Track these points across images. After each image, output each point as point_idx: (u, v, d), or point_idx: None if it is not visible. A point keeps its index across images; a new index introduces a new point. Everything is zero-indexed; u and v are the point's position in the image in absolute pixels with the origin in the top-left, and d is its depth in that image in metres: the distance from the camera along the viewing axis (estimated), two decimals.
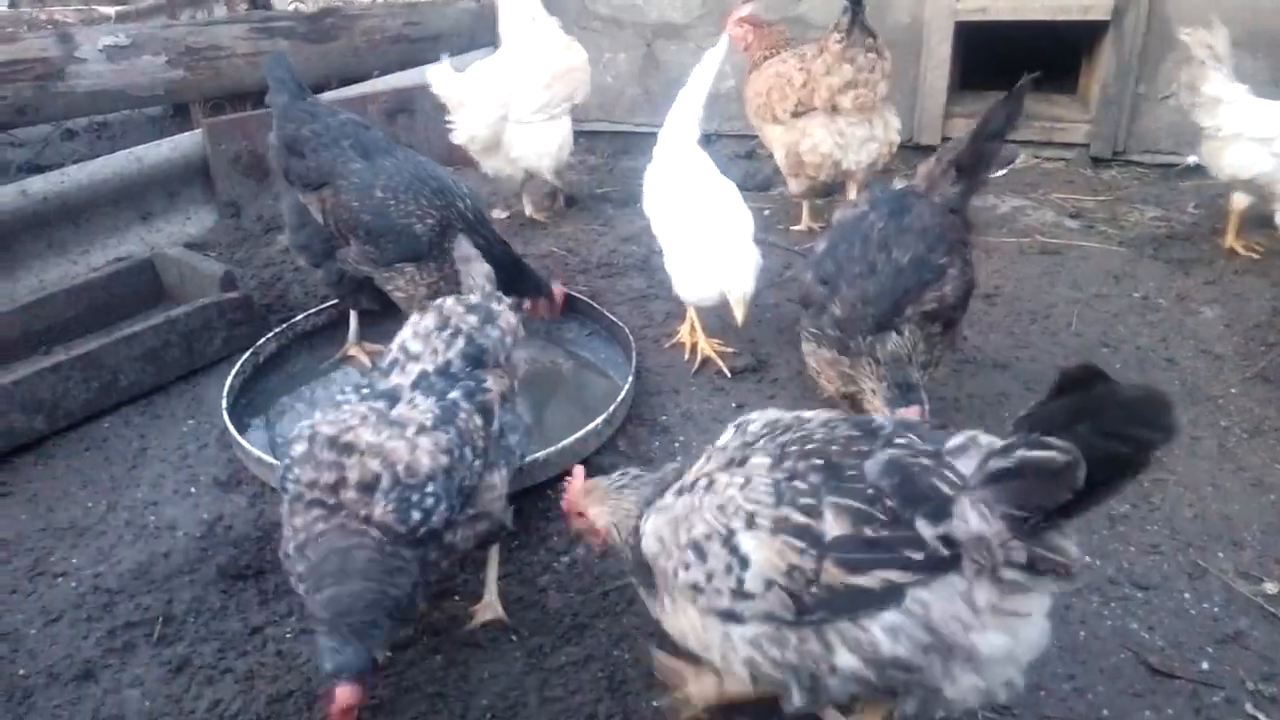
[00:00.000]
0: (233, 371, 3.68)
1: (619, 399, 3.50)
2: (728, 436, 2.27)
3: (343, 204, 3.56)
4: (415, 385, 2.52)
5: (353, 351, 4.05)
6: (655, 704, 2.47)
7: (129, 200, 5.15)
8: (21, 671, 2.66)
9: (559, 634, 2.73)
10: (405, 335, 2.71)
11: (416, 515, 2.28)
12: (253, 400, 3.77)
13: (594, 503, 2.37)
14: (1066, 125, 6.32)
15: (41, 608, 2.86)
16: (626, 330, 3.99)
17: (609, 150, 6.83)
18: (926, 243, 3.10)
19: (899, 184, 3.53)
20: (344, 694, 2.09)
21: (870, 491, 1.90)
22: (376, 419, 2.39)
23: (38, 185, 4.83)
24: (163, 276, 4.34)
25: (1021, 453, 1.76)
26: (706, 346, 4.06)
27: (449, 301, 2.79)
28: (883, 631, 1.87)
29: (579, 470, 2.46)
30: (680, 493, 2.15)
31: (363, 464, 2.28)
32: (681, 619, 2.14)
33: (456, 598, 2.85)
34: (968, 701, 1.93)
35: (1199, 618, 2.75)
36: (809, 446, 2.04)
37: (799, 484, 1.97)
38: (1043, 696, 2.52)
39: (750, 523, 1.97)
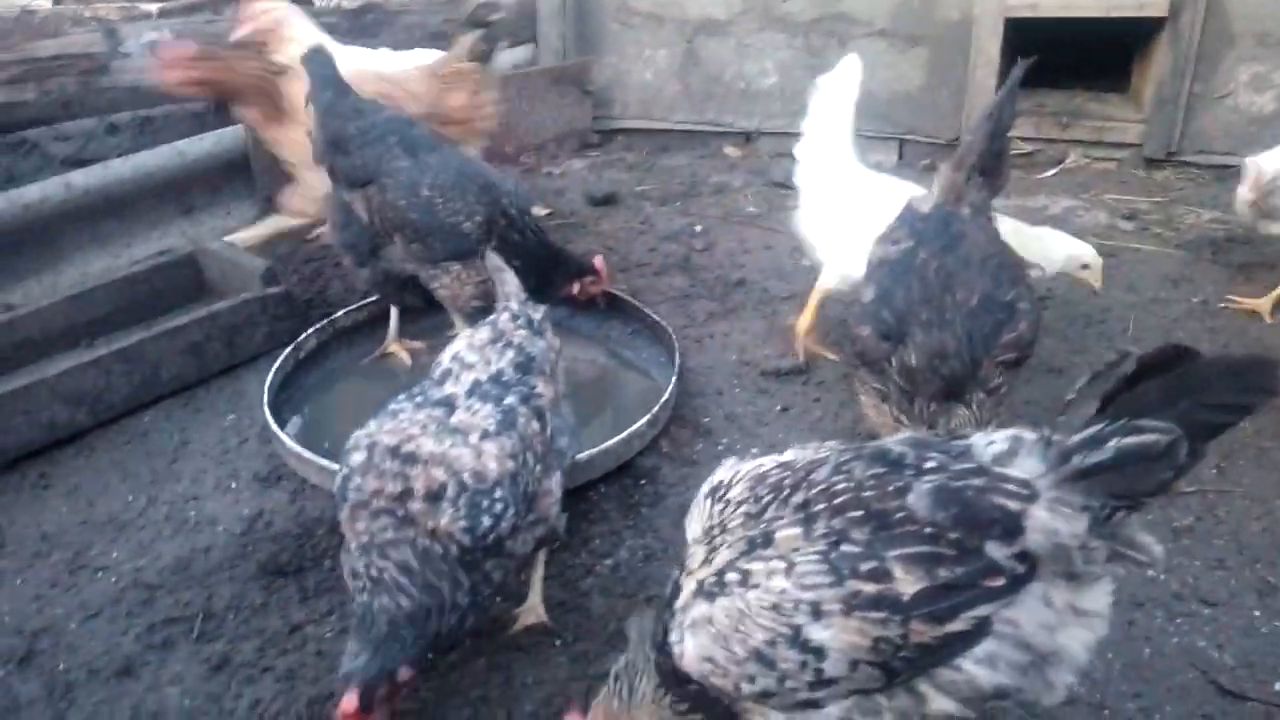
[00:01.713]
0: (274, 366, 3.66)
1: (662, 400, 3.43)
2: (708, 510, 2.04)
3: (389, 202, 3.53)
4: (471, 393, 2.48)
5: (393, 348, 4.01)
6: None
7: (171, 194, 5.16)
8: (62, 666, 2.64)
9: (603, 639, 2.66)
10: (459, 347, 2.68)
11: (487, 521, 2.24)
12: (292, 396, 3.74)
13: None
14: (1118, 125, 6.16)
15: (81, 602, 2.85)
16: (669, 330, 3.92)
17: (648, 148, 6.77)
18: (990, 276, 2.77)
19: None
20: (347, 701, 2.05)
21: (929, 531, 1.77)
22: (437, 427, 2.35)
23: (81, 179, 4.84)
24: (205, 271, 4.33)
25: (1119, 441, 1.68)
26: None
27: (504, 317, 2.77)
28: (977, 666, 1.77)
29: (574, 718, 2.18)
30: (708, 597, 1.89)
31: (428, 473, 2.24)
32: None
33: (499, 599, 2.79)
34: (1060, 699, 1.85)
35: (1270, 636, 2.64)
36: (838, 500, 1.87)
37: (849, 548, 1.80)
38: (1107, 716, 2.42)
39: (816, 613, 1.78)
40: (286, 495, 3.24)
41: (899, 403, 2.79)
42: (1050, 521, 1.72)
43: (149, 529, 3.13)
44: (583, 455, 3.06)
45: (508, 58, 6.85)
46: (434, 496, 2.23)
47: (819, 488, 1.90)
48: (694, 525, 2.11)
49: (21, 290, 4.66)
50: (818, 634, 1.78)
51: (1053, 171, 6.06)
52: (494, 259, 3.06)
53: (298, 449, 3.20)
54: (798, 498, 1.90)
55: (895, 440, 2.00)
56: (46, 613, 2.82)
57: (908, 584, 1.75)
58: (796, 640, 1.79)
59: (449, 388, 2.52)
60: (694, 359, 4.04)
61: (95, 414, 3.56)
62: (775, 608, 1.80)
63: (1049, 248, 3.75)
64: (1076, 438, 1.74)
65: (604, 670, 2.55)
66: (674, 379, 3.57)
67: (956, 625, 1.75)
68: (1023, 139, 6.11)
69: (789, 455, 2.09)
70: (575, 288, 3.75)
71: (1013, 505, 1.75)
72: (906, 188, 3.71)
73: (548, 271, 3.64)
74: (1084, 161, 6.21)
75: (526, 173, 6.21)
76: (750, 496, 1.99)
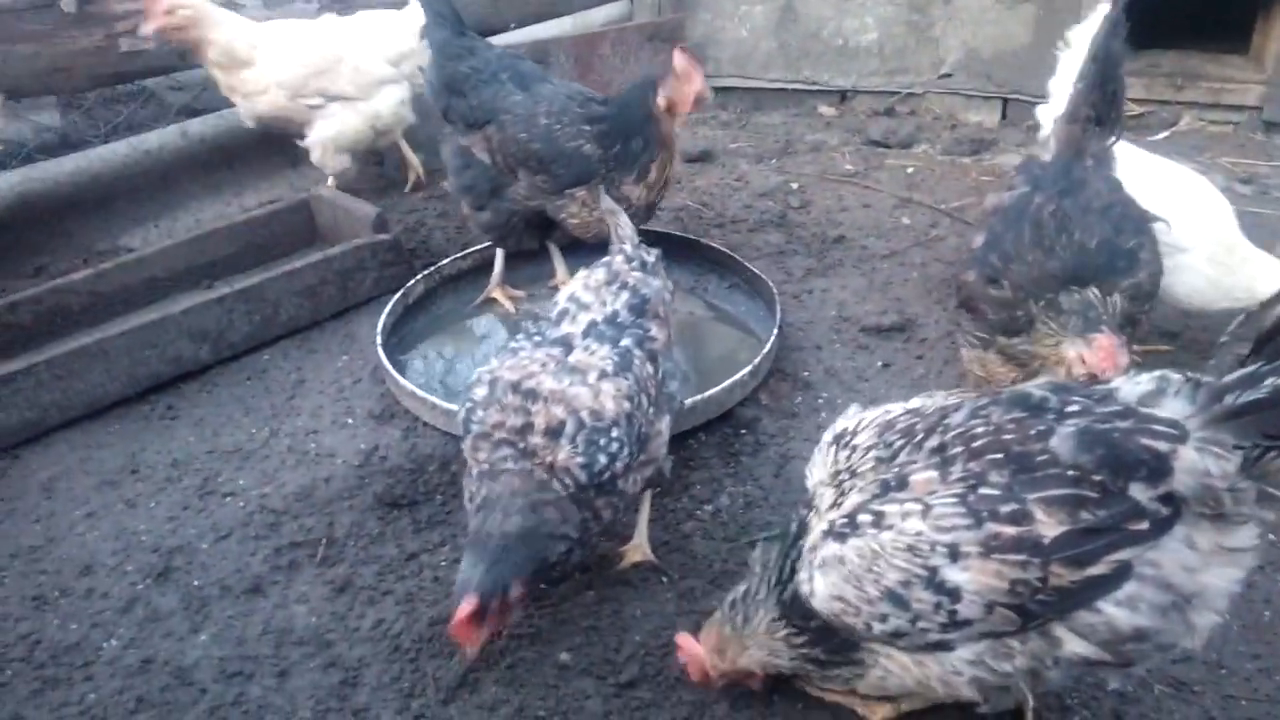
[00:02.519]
0: (385, 310, 3.77)
1: (764, 351, 3.44)
2: (833, 456, 2.07)
3: (510, 137, 3.61)
4: (587, 334, 2.54)
5: (495, 294, 4.09)
6: None
7: (279, 147, 5.32)
8: (196, 583, 2.80)
9: (708, 579, 2.72)
10: (575, 287, 2.73)
11: (603, 459, 2.30)
12: (402, 339, 3.85)
13: (733, 653, 2.16)
14: (1237, 86, 5.87)
15: (212, 524, 3.01)
16: (770, 283, 3.91)
17: (741, 106, 6.70)
18: (1112, 223, 2.70)
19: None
20: (465, 608, 2.14)
21: (1072, 474, 1.77)
22: (556, 366, 2.42)
23: (197, 127, 5.04)
24: (317, 217, 4.46)
25: (1275, 380, 1.67)
26: None
27: (618, 259, 2.80)
28: (1119, 608, 1.78)
29: (684, 639, 2.24)
30: (839, 538, 1.92)
31: (548, 410, 2.32)
32: (878, 668, 2.00)
33: (606, 537, 2.86)
34: (1202, 642, 1.86)
35: None
36: (976, 444, 1.87)
37: (989, 491, 1.80)
38: (1224, 675, 2.40)
39: (954, 555, 1.79)
40: (399, 432, 3.36)
41: (1004, 327, 2.71)
42: (1200, 462, 1.71)
43: (272, 459, 3.28)
44: (687, 402, 3.10)
45: (602, 13, 6.86)
46: (554, 433, 2.30)
47: (955, 431, 1.91)
48: (817, 470, 2.15)
49: (141, 234, 4.88)
50: (954, 576, 1.80)
51: (1165, 134, 5.82)
52: (607, 201, 3.09)
53: (412, 388, 3.31)
54: (932, 441, 1.92)
55: (1036, 384, 1.99)
56: (180, 533, 2.98)
57: (1049, 526, 1.76)
58: (932, 581, 1.81)
59: (566, 327, 2.58)
60: (792, 314, 4.03)
61: (217, 351, 3.73)
62: (911, 549, 1.83)
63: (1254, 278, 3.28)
64: (1230, 377, 1.74)
65: (710, 607, 2.63)
66: (775, 331, 3.57)
67: (1098, 569, 1.75)
68: (1134, 100, 5.87)
69: (916, 402, 2.10)
70: (661, 102, 3.58)
71: (1162, 446, 1.74)
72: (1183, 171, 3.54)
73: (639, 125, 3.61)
74: (1198, 124, 5.95)
75: None
76: (879, 442, 2.01)
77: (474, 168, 3.79)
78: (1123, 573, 1.76)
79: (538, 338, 2.57)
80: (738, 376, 3.30)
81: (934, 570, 1.80)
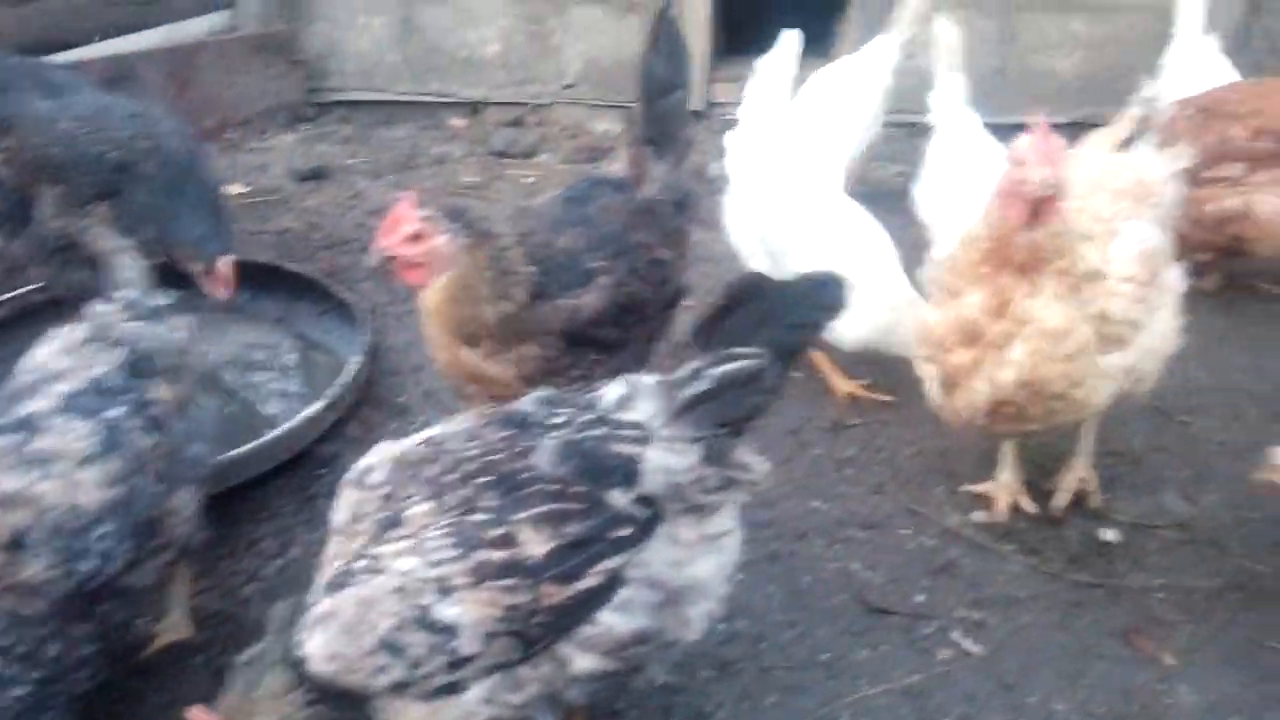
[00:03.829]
0: None
1: (340, 381, 3.24)
2: (350, 499, 1.92)
3: (27, 144, 3.21)
4: (59, 410, 2.10)
5: None
6: None
7: None
8: None
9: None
10: (45, 351, 2.27)
11: (89, 564, 1.94)
12: None
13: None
14: None
15: None
16: (360, 307, 3.71)
17: (368, 120, 6.44)
18: (591, 240, 2.58)
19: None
20: None
21: (555, 488, 1.75)
22: (14, 459, 1.98)
23: None
24: None
25: (715, 370, 1.75)
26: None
27: (99, 306, 2.40)
28: (615, 615, 1.77)
29: (198, 712, 1.88)
30: (335, 589, 1.78)
31: (2, 519, 1.89)
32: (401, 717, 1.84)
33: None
34: (700, 632, 1.90)
35: (916, 552, 2.84)
36: (469, 467, 1.81)
37: (479, 516, 1.74)
38: (764, 648, 2.52)
39: (444, 590, 1.71)
40: None
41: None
42: (662, 459, 1.75)
43: None
44: (241, 450, 2.82)
45: (201, 24, 6.32)
46: (14, 545, 1.90)
47: (452, 457, 1.84)
48: (337, 516, 1.97)
49: None
50: (447, 612, 1.71)
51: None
52: (107, 238, 2.74)
53: None
54: (431, 471, 1.84)
55: (527, 399, 1.96)
56: None
57: (537, 545, 1.73)
58: (425, 621, 1.71)
59: (30, 405, 2.11)
60: (396, 336, 3.87)
61: None
62: (401, 590, 1.72)
63: None
64: (680, 372, 1.81)
65: None
66: (357, 358, 3.37)
67: (589, 581, 1.74)
68: (738, 105, 6.27)
69: (435, 430, 2.00)
70: (193, 266, 3.32)
71: (629, 450, 1.77)
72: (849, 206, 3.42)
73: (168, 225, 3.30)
74: None
75: (228, 149, 5.74)
76: (391, 479, 1.89)
77: None
78: (615, 581, 1.77)
79: None
80: (308, 411, 3.07)
81: (425, 609, 1.71)
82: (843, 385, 3.45)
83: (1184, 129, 3.72)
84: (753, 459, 1.85)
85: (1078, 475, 2.94)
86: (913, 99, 4.56)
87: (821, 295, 1.88)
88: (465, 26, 6.52)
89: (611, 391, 1.92)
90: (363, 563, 1.78)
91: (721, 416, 1.79)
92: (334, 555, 1.89)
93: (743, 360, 1.78)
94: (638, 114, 2.87)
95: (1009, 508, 2.89)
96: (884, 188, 4.94)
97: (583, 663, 1.81)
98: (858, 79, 4.47)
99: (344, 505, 1.97)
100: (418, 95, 6.68)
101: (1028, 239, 2.30)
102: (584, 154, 5.78)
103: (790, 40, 3.81)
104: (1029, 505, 2.88)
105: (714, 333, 1.87)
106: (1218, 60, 4.56)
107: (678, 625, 1.85)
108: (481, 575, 1.72)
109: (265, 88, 6.23)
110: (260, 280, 3.85)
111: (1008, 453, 2.94)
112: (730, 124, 6.13)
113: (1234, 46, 5.32)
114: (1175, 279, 2.76)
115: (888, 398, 3.42)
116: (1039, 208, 2.27)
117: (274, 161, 5.59)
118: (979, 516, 2.91)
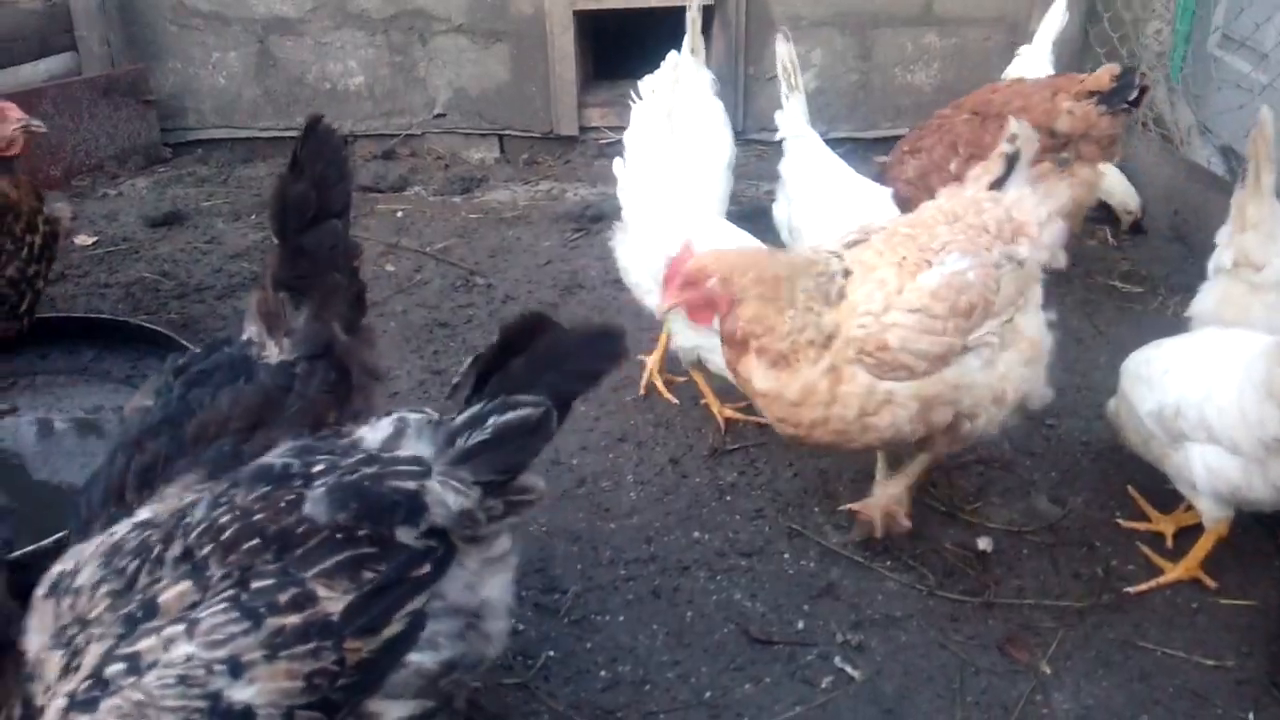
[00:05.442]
0: None
1: None
2: (49, 613, 1.66)
3: None
4: None
5: None
6: None
7: None
8: None
9: None
10: None
11: None
12: None
13: None
14: None
15: None
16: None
17: (228, 158, 6.17)
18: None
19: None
20: None
21: (339, 536, 1.63)
22: None
23: None
24: None
25: (496, 419, 1.68)
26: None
27: None
28: (420, 653, 1.68)
29: None
30: (88, 706, 1.53)
31: None
32: None
33: None
34: (502, 647, 1.86)
35: (797, 576, 2.80)
36: (225, 535, 1.64)
37: (260, 582, 1.59)
38: (648, 691, 2.44)
39: (236, 668, 1.54)
40: None
41: None
42: (444, 494, 1.68)
43: None
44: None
45: (40, 68, 5.95)
46: None
47: (198, 530, 1.67)
48: (34, 636, 1.69)
49: None
50: (240, 694, 1.55)
51: None
52: None
53: None
54: (175, 550, 1.65)
55: (275, 453, 1.83)
56: None
57: (335, 600, 1.61)
58: (217, 710, 1.54)
59: None
60: None
61: None
62: (184, 680, 1.54)
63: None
64: (459, 419, 1.72)
65: None
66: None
67: (393, 629, 1.65)
68: (611, 129, 6.26)
69: (145, 513, 1.80)
70: None
71: (410, 485, 1.68)
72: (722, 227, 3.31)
73: None
74: None
75: (77, 197, 5.40)
76: (109, 573, 1.67)
77: None
78: (418, 623, 1.68)
79: None
80: None
81: (216, 696, 1.54)
82: (722, 410, 3.41)
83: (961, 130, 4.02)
84: (533, 480, 1.79)
85: (889, 494, 2.85)
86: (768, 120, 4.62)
87: (603, 345, 1.81)
88: (326, 59, 6.34)
89: (376, 431, 1.82)
90: (119, 666, 1.56)
91: (502, 464, 1.72)
92: (57, 675, 1.62)
93: (526, 409, 1.70)
94: (273, 252, 2.28)
95: (884, 523, 2.88)
96: (753, 206, 4.98)
97: (396, 712, 1.71)
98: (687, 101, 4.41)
99: (42, 623, 1.69)
100: (281, 131, 6.44)
101: (724, 329, 2.56)
102: (457, 184, 5.66)
103: (673, 61, 3.84)
104: (904, 521, 2.88)
105: (493, 374, 1.79)
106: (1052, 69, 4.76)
107: (482, 644, 1.79)
108: (277, 645, 1.57)
109: (115, 131, 5.91)
110: (105, 338, 3.62)
111: (881, 468, 2.95)
112: (605, 149, 6.22)
113: (1071, 55, 5.63)
114: (1032, 325, 2.67)
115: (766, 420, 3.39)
116: (707, 310, 2.59)
117: (125, 208, 5.29)
118: (856, 535, 2.90)
